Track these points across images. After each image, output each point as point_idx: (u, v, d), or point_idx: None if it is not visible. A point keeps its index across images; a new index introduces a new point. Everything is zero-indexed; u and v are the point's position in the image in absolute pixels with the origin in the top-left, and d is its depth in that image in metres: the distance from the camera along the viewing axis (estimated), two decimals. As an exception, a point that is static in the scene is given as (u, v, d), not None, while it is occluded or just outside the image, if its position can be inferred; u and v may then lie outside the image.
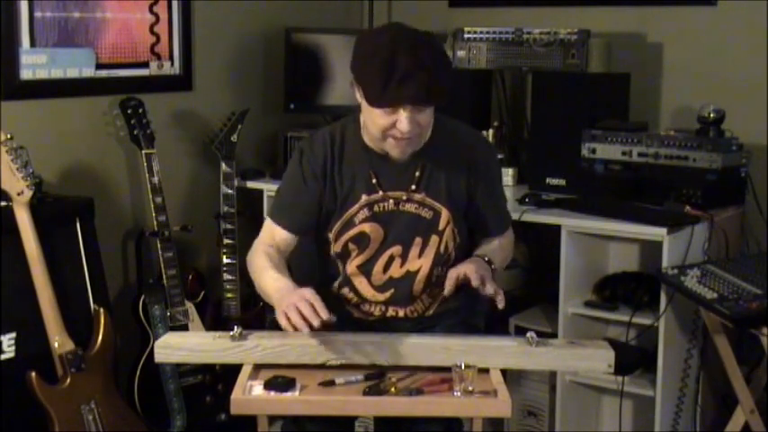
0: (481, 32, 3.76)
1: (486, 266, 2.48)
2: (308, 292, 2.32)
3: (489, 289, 2.38)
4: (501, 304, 2.38)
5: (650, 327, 3.18)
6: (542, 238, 3.73)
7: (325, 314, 2.27)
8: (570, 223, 3.27)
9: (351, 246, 2.54)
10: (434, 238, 2.53)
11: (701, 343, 3.30)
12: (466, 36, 3.79)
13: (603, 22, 3.77)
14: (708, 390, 3.39)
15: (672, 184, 3.32)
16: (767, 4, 3.51)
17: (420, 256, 2.54)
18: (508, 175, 3.81)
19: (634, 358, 3.30)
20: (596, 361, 2.39)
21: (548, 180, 3.60)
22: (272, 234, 2.56)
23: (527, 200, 3.42)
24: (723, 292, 2.95)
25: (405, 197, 2.51)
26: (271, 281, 2.43)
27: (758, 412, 3.13)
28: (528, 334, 2.39)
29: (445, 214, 2.52)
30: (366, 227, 2.51)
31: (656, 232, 3.11)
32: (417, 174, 2.50)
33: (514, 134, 4.03)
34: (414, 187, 2.51)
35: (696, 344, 3.30)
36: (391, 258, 2.54)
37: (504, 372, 2.32)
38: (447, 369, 2.28)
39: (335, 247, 2.55)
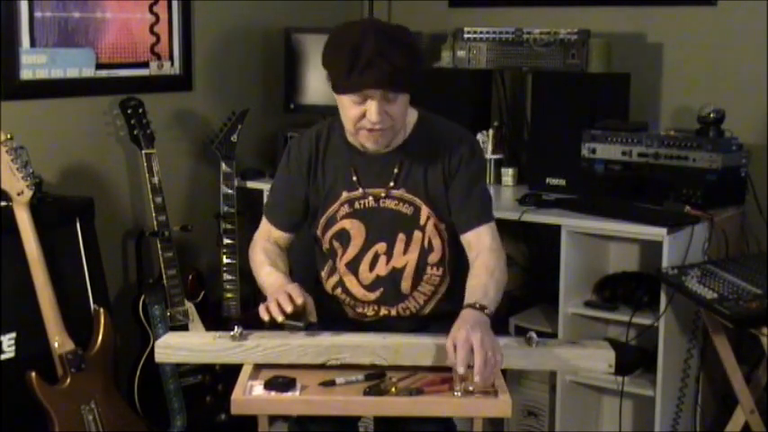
0: (481, 32, 3.76)
1: (481, 316, 2.29)
2: (291, 286, 2.41)
3: (461, 366, 2.17)
4: (457, 371, 2.19)
5: (650, 327, 3.18)
6: (542, 238, 3.74)
7: (299, 300, 2.35)
8: (570, 223, 3.27)
9: (335, 243, 2.57)
10: (417, 234, 2.54)
11: (701, 343, 3.30)
12: (466, 36, 3.79)
13: (603, 22, 3.77)
14: (708, 390, 3.39)
15: (672, 184, 3.32)
16: (767, 4, 3.51)
17: (405, 252, 2.54)
18: (508, 175, 3.82)
19: (634, 358, 3.31)
20: (596, 361, 2.39)
21: (548, 180, 3.61)
22: (269, 231, 2.64)
23: (527, 200, 3.42)
24: (723, 292, 2.95)
25: (384, 194, 2.52)
26: (265, 276, 2.53)
27: (758, 412, 3.13)
28: (528, 334, 2.39)
29: (425, 209, 2.53)
30: (347, 223, 2.54)
31: (656, 232, 3.11)
32: (396, 170, 2.52)
33: (514, 134, 4.03)
34: (392, 183, 2.52)
35: (696, 344, 3.30)
36: (376, 256, 2.55)
37: (504, 372, 2.32)
38: (447, 369, 2.28)
39: (325, 245, 2.59)
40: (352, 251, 2.55)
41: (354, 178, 2.52)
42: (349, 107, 2.40)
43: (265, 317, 2.36)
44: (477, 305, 2.32)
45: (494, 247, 2.48)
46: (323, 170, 2.55)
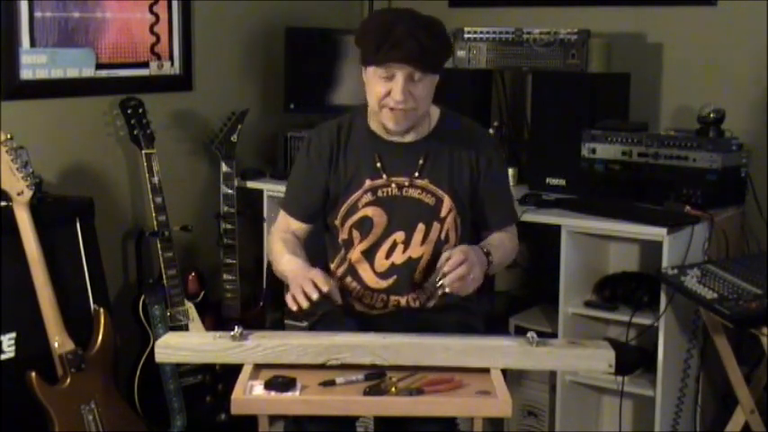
0: (481, 32, 3.77)
1: (482, 255, 2.50)
2: (315, 273, 2.43)
3: (447, 267, 2.39)
4: (440, 290, 2.43)
5: (650, 327, 3.18)
6: (542, 238, 3.73)
7: (325, 287, 2.38)
8: (570, 223, 3.27)
9: (354, 232, 2.59)
10: (436, 226, 2.58)
11: (701, 343, 3.30)
12: (466, 36, 3.79)
13: (603, 22, 3.77)
14: (708, 390, 3.39)
15: (672, 184, 3.32)
16: (767, 4, 3.51)
17: (423, 243, 2.58)
18: (508, 175, 3.81)
19: (634, 358, 3.31)
20: (596, 361, 2.39)
21: (548, 180, 3.61)
22: (287, 223, 2.67)
23: (527, 200, 3.42)
24: (723, 292, 2.95)
25: (408, 182, 2.56)
26: (286, 264, 2.55)
27: (758, 412, 3.13)
28: (528, 334, 2.39)
29: (447, 201, 2.57)
30: (369, 211, 2.57)
31: (656, 232, 3.11)
32: (421, 160, 2.57)
33: (514, 134, 4.03)
34: (417, 173, 2.57)
35: (696, 344, 3.30)
36: (394, 244, 2.58)
37: (504, 372, 2.32)
38: (447, 369, 2.28)
39: (342, 234, 2.60)
40: (371, 239, 2.58)
41: (379, 165, 2.56)
42: (375, 83, 2.47)
43: (293, 306, 2.39)
44: (485, 249, 2.51)
45: (513, 235, 2.72)
46: (345, 159, 2.59)
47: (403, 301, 2.61)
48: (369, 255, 2.59)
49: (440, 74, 2.54)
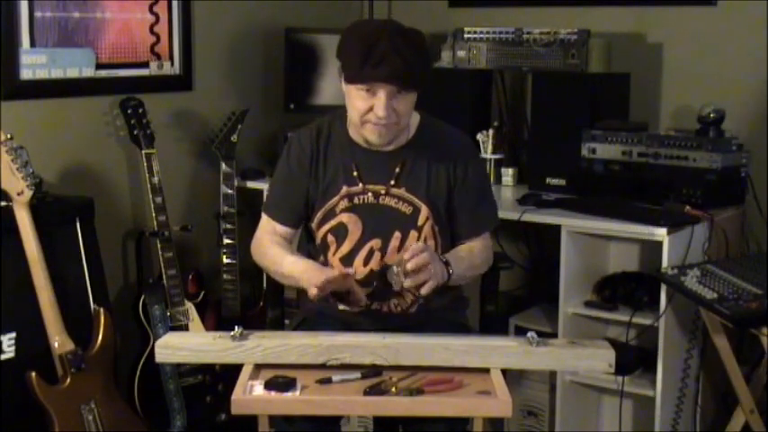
0: (481, 32, 3.77)
1: (441, 264, 2.46)
2: (334, 271, 2.46)
3: (408, 254, 2.38)
4: (398, 287, 2.42)
5: (650, 327, 3.18)
6: (542, 238, 3.74)
7: (349, 270, 2.43)
8: (570, 223, 3.27)
9: (330, 237, 2.59)
10: (413, 234, 2.57)
11: (701, 343, 3.30)
12: (466, 36, 3.79)
13: (603, 22, 3.77)
14: (708, 390, 3.39)
15: (672, 184, 3.32)
16: (767, 4, 3.51)
17: (399, 250, 2.57)
18: (508, 175, 3.82)
19: (634, 358, 3.31)
20: (596, 361, 2.39)
21: (548, 180, 3.60)
22: (273, 227, 2.66)
23: (527, 200, 3.42)
24: (723, 292, 2.95)
25: (384, 191, 2.56)
26: (291, 265, 2.54)
27: (758, 412, 3.13)
28: (528, 334, 2.39)
29: (424, 210, 2.57)
30: (344, 217, 2.58)
31: (656, 232, 3.11)
32: (398, 169, 2.56)
33: (514, 134, 4.03)
34: (393, 182, 2.56)
35: (696, 344, 3.30)
36: (371, 252, 2.58)
37: (504, 372, 2.32)
38: (447, 369, 2.28)
39: (317, 239, 2.61)
40: (347, 245, 2.58)
41: (355, 174, 2.56)
42: (357, 99, 2.44)
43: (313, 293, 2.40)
44: (443, 259, 2.49)
45: (486, 247, 2.65)
46: (324, 164, 2.58)
47: (385, 307, 2.61)
48: (347, 262, 2.58)
49: (423, 87, 2.50)
